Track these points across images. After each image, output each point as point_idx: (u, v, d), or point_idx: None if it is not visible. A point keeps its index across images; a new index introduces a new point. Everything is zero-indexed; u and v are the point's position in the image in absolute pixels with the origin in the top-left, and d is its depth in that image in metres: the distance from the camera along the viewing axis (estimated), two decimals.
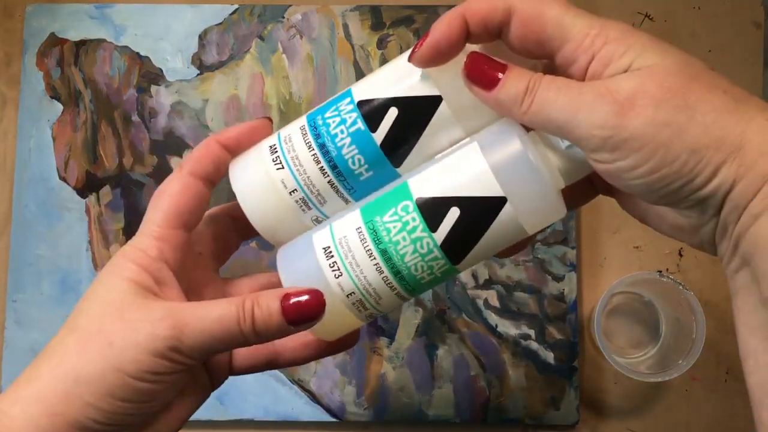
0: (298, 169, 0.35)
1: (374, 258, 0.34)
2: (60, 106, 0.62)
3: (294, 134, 0.36)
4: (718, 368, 0.59)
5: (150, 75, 0.62)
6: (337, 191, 0.36)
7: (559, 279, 0.59)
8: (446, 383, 0.58)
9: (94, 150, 0.61)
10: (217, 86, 0.62)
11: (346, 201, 0.36)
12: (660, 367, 0.57)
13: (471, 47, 0.33)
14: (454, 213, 0.33)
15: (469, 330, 0.59)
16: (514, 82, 0.31)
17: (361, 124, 0.34)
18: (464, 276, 0.59)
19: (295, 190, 0.36)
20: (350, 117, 0.35)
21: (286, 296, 0.33)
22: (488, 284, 0.59)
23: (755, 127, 0.28)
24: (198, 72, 0.62)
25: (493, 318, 0.59)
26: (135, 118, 0.62)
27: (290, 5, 0.62)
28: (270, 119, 0.39)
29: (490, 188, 0.33)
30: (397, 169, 0.35)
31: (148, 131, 0.61)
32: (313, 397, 0.58)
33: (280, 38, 0.62)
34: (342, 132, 0.35)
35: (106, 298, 0.33)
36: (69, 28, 0.62)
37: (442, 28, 0.32)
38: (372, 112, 0.34)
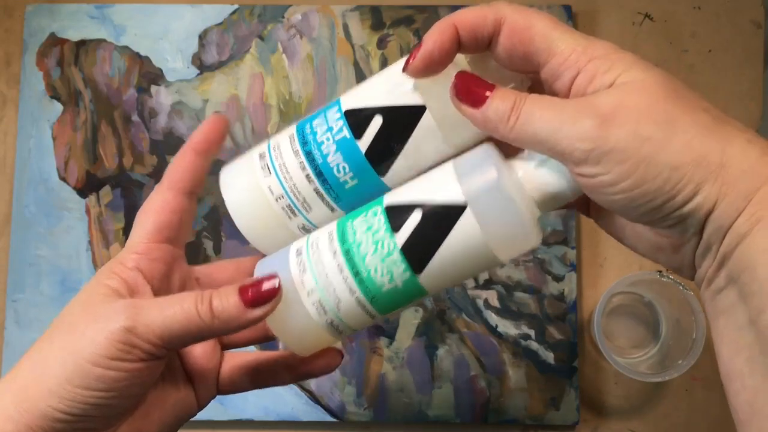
0: (285, 176, 0.36)
1: (337, 256, 0.34)
2: (60, 106, 0.62)
3: (282, 142, 0.37)
4: (718, 368, 0.59)
5: (150, 75, 0.62)
6: (323, 199, 0.36)
7: (559, 279, 0.59)
8: (446, 383, 0.58)
9: (94, 150, 0.61)
10: (217, 86, 0.62)
11: (332, 209, 0.36)
12: (660, 367, 0.56)
13: (459, 63, 0.34)
14: (416, 216, 0.33)
15: (469, 330, 0.59)
16: (500, 100, 0.31)
17: (346, 132, 0.35)
18: None
19: (282, 197, 0.36)
20: (336, 125, 0.35)
21: (244, 286, 0.33)
22: (488, 284, 0.59)
23: (737, 147, 0.28)
24: (198, 72, 0.62)
25: (493, 318, 0.59)
26: (135, 118, 0.62)
27: (290, 5, 0.62)
28: (221, 115, 0.40)
29: (452, 195, 0.33)
30: (383, 179, 0.35)
31: (148, 131, 0.61)
32: (313, 397, 0.58)
33: (280, 38, 0.62)
34: (328, 139, 0.35)
35: (81, 298, 0.34)
36: (69, 28, 0.62)
37: (434, 37, 0.32)
38: (357, 121, 0.35)
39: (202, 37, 0.62)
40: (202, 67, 0.62)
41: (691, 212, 0.29)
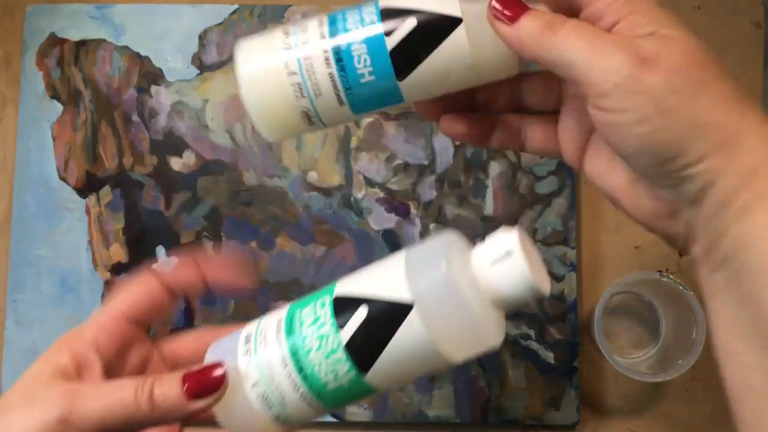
0: (304, 55, 0.35)
1: (282, 349, 0.33)
2: (60, 106, 0.62)
3: (311, 24, 0.36)
4: (718, 368, 0.59)
5: (150, 75, 0.62)
6: (335, 86, 0.35)
7: (559, 279, 0.59)
8: (446, 383, 0.58)
9: (94, 150, 0.61)
10: (217, 86, 0.62)
11: (341, 102, 0.36)
12: (660, 367, 0.57)
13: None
14: (361, 312, 0.32)
15: None
16: (535, 18, 0.31)
17: (378, 26, 0.34)
18: None
19: (295, 73, 0.35)
20: (369, 18, 0.34)
21: (188, 375, 0.32)
22: None
23: (751, 123, 0.29)
24: (198, 72, 0.62)
25: None
26: (135, 118, 0.62)
27: (290, 5, 0.62)
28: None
29: (398, 291, 0.31)
30: (399, 83, 0.35)
31: (148, 131, 0.61)
32: None
33: None
34: (357, 29, 0.34)
35: (25, 378, 0.34)
36: (69, 28, 0.62)
37: None
38: (391, 18, 0.34)
39: (202, 37, 0.62)
40: (202, 67, 0.62)
41: (694, 175, 0.29)
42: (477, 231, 0.60)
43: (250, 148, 0.61)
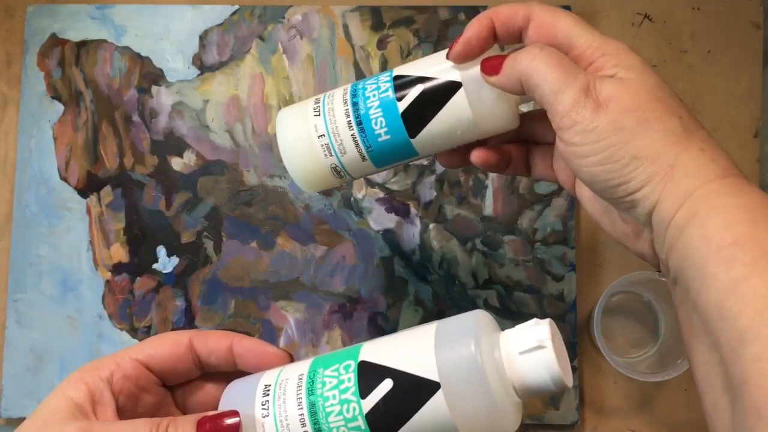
0: (330, 119, 0.41)
1: (301, 408, 0.33)
2: (61, 107, 0.62)
3: (337, 93, 0.42)
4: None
5: (151, 75, 0.62)
6: (357, 145, 0.41)
7: (558, 279, 0.59)
8: None
9: (94, 150, 0.62)
10: (218, 87, 0.62)
11: (363, 158, 0.41)
12: (659, 366, 0.57)
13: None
14: (386, 384, 0.32)
15: None
16: (512, 60, 0.37)
17: (390, 93, 0.40)
18: (464, 276, 0.59)
19: (323, 135, 0.41)
20: (384, 85, 0.41)
21: (203, 420, 0.33)
22: (488, 284, 0.59)
23: (690, 153, 0.33)
24: (198, 72, 0.62)
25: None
26: (136, 118, 0.62)
27: (290, 6, 0.62)
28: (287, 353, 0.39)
29: (425, 369, 0.31)
30: (413, 141, 0.40)
31: (148, 131, 0.62)
32: None
33: (281, 39, 0.62)
34: (374, 95, 0.41)
35: (42, 412, 0.34)
36: (70, 28, 0.63)
37: (473, 27, 0.38)
38: (402, 85, 0.40)
39: (203, 37, 0.62)
40: (203, 67, 0.62)
41: (640, 200, 0.34)
42: (477, 231, 0.60)
43: (250, 148, 0.61)
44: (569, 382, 0.32)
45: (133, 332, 0.60)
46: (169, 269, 0.60)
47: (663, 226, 0.33)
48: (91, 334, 0.60)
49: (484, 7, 0.60)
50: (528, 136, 0.44)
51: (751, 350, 0.28)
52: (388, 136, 0.40)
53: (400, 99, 0.40)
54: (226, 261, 0.60)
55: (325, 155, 0.41)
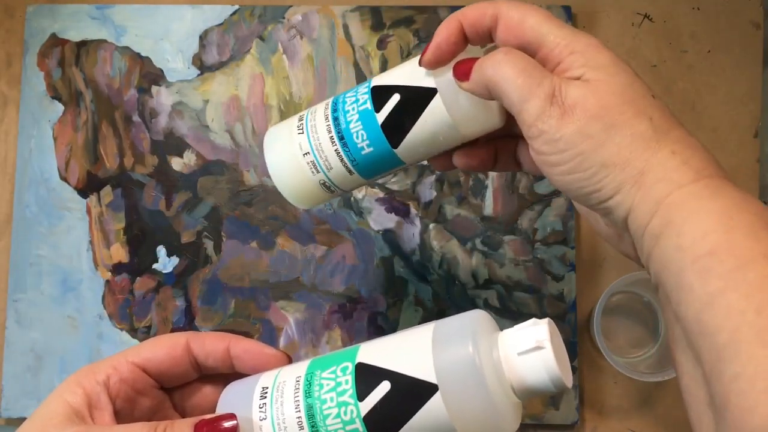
0: (313, 136, 0.41)
1: (299, 411, 0.33)
2: (61, 107, 0.62)
3: (318, 108, 0.42)
4: None
5: (151, 75, 0.62)
6: (342, 160, 0.40)
7: (558, 279, 0.59)
8: None
9: (94, 150, 0.62)
10: (218, 87, 0.62)
11: (350, 172, 0.41)
12: (659, 366, 0.57)
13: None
14: (384, 387, 0.32)
15: None
16: (478, 66, 0.36)
17: (369, 104, 0.39)
18: (464, 276, 0.59)
19: (308, 153, 0.41)
20: (362, 98, 0.40)
21: (200, 423, 0.33)
22: (488, 284, 0.59)
23: (660, 157, 0.32)
24: (198, 72, 0.62)
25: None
26: (136, 118, 0.62)
27: (290, 6, 0.62)
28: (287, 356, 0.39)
29: (423, 371, 0.31)
30: (396, 150, 0.40)
31: (148, 131, 0.62)
32: None
33: (281, 39, 0.62)
34: (353, 109, 0.40)
35: (40, 416, 0.34)
36: (70, 28, 0.63)
37: (441, 32, 0.37)
38: (380, 95, 0.39)
39: (203, 37, 0.62)
40: (203, 67, 0.62)
41: (614, 207, 0.33)
42: (477, 231, 0.60)
43: (250, 148, 0.61)
44: (569, 382, 0.32)
45: (133, 332, 0.60)
46: (169, 269, 0.60)
47: (639, 233, 0.32)
48: (91, 334, 0.60)
49: None
50: (516, 130, 0.42)
51: (730, 369, 0.27)
52: (371, 149, 0.40)
53: (378, 110, 0.39)
54: (226, 261, 0.60)
55: (312, 172, 0.41)
